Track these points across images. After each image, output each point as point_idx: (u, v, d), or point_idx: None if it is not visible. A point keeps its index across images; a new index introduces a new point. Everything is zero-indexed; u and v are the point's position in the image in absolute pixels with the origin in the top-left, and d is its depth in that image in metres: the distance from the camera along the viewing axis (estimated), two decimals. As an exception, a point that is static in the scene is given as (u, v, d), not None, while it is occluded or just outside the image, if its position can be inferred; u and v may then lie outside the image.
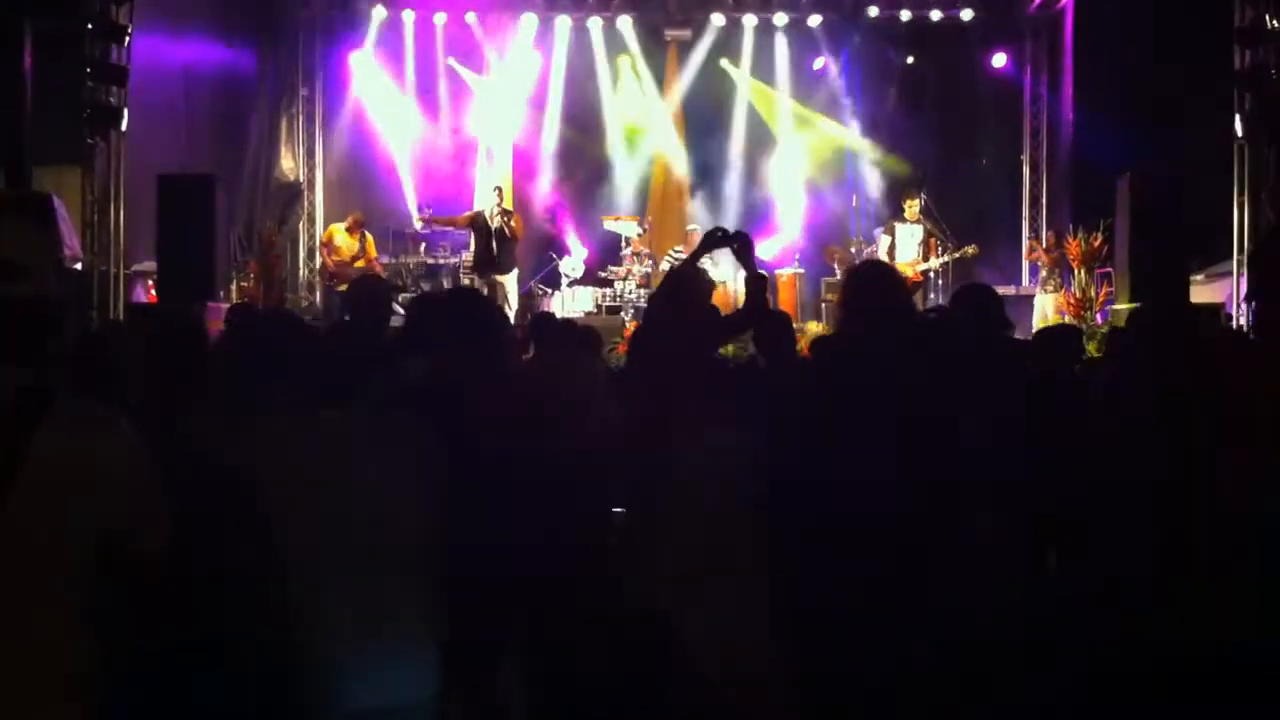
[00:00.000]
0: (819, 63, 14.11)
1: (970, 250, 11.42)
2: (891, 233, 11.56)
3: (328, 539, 2.67)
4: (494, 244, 12.00)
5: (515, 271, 12.28)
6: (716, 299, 13.61)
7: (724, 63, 14.24)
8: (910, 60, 13.93)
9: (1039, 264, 12.79)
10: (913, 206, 11.48)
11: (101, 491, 1.95)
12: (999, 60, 14.01)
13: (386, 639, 2.66)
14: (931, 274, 11.47)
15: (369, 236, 12.16)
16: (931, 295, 11.40)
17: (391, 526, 2.71)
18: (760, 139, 14.29)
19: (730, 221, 13.90)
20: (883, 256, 11.47)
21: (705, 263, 5.13)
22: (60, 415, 1.93)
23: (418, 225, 13.17)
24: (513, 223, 12.19)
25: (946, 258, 11.42)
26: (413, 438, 2.81)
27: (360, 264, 11.93)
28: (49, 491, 1.90)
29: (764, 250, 13.72)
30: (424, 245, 13.32)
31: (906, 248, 11.37)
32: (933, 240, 11.42)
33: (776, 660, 3.34)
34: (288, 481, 2.66)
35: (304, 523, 2.66)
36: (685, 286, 3.71)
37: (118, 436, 2.00)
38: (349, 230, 12.07)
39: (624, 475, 3.76)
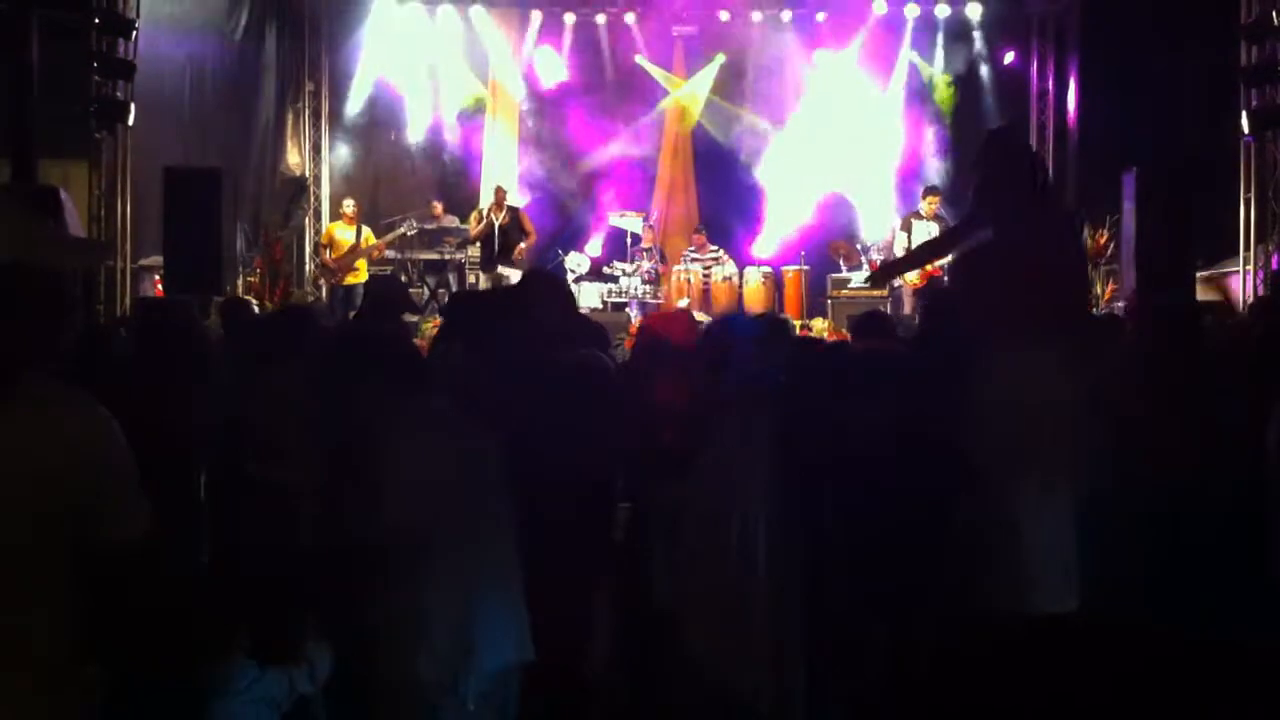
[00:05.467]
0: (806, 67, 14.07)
1: None
2: (908, 229, 11.47)
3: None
4: (495, 241, 12.05)
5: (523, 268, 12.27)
6: (722, 295, 13.37)
7: (729, 59, 14.19)
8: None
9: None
10: (931, 204, 11.43)
11: (68, 473, 1.87)
12: (1008, 59, 13.98)
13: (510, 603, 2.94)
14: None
15: (366, 229, 12.13)
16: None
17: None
18: (766, 133, 14.25)
19: (735, 217, 13.88)
20: (898, 252, 11.41)
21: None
22: (28, 394, 1.87)
23: (423, 223, 13.17)
24: (518, 219, 12.20)
25: None
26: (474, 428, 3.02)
27: (361, 257, 11.91)
28: (12, 471, 1.83)
29: (768, 247, 13.72)
30: (429, 240, 13.30)
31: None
32: None
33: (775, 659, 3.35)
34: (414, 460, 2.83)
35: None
36: None
37: (88, 417, 1.92)
38: (347, 221, 12.04)
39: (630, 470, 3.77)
